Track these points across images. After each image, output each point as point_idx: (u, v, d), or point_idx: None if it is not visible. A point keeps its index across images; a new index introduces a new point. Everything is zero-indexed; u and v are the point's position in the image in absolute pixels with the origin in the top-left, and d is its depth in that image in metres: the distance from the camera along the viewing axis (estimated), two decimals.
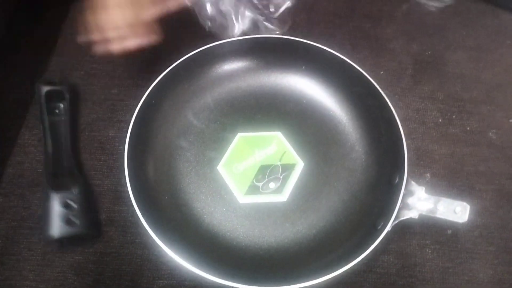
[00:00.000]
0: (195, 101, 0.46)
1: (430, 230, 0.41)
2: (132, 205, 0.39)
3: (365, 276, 0.39)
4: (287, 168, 0.44)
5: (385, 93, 0.43)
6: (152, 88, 0.43)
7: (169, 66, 0.44)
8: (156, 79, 0.44)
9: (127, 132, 0.40)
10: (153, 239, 0.35)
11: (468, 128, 0.48)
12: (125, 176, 0.38)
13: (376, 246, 0.35)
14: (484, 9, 0.57)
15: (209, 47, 0.45)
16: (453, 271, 0.40)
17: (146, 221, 0.36)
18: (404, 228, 0.41)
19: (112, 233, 0.41)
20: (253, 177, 0.43)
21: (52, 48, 0.52)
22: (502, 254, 0.41)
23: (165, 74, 0.44)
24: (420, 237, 0.41)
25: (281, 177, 0.43)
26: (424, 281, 0.39)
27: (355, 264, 0.35)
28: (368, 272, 0.39)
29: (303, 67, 0.47)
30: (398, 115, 0.41)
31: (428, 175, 0.44)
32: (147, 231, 0.36)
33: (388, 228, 0.36)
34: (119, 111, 0.47)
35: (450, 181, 0.44)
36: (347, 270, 0.34)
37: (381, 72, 0.50)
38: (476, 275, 0.40)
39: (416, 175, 0.43)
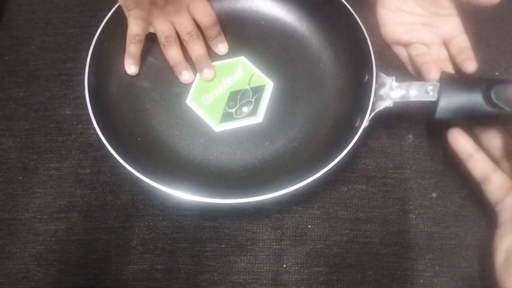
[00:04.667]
0: (149, 38, 0.43)
1: (414, 195, 0.40)
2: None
3: (348, 246, 0.38)
4: (258, 90, 0.43)
5: None
6: (101, 30, 0.41)
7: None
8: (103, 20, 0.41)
9: (85, 109, 0.37)
10: (139, 181, 0.34)
11: None
12: (95, 129, 0.36)
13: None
14: None
15: None
16: (439, 236, 0.38)
17: (123, 159, 0.35)
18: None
19: (75, 219, 0.39)
20: (225, 104, 0.42)
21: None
22: (490, 215, 0.38)
23: (113, 13, 0.41)
24: (404, 203, 0.40)
25: (253, 100, 0.42)
26: (409, 248, 0.38)
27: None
28: (351, 242, 0.38)
29: None
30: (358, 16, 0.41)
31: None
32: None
33: (365, 122, 0.36)
34: (75, 87, 0.43)
35: None
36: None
37: None
38: (463, 239, 0.38)
39: (384, 67, 0.43)
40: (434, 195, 0.40)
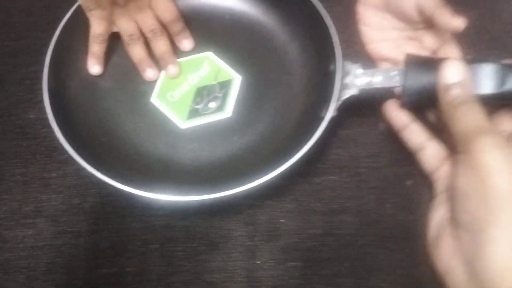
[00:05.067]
0: (112, 37, 0.43)
1: (389, 183, 0.39)
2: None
3: (323, 239, 0.37)
4: (225, 85, 0.42)
5: None
6: (61, 31, 0.41)
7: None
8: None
9: None
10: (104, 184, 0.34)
11: None
12: (55, 134, 0.36)
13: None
14: None
15: None
16: (416, 224, 0.36)
17: (87, 162, 0.34)
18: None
19: (42, 224, 0.38)
20: (191, 101, 0.41)
21: None
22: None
23: (72, 13, 0.41)
24: (379, 192, 0.39)
25: (221, 95, 0.42)
26: (386, 238, 0.37)
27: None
28: (326, 235, 0.38)
29: None
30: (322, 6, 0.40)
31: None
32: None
33: (332, 112, 0.35)
34: (39, 91, 0.41)
35: None
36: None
37: None
38: None
39: (351, 55, 0.41)
40: (409, 182, 0.39)
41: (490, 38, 0.46)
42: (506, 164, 0.26)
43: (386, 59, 0.42)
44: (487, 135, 0.27)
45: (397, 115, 0.36)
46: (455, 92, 0.30)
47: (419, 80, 0.33)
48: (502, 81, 0.32)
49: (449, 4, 0.36)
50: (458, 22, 0.34)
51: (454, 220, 0.28)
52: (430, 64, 0.33)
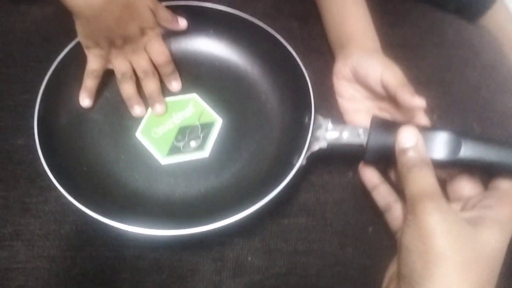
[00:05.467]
0: (105, 74, 0.45)
1: (352, 228, 0.42)
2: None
3: (286, 278, 0.39)
4: (207, 127, 0.45)
5: (290, 46, 0.45)
6: (58, 63, 0.43)
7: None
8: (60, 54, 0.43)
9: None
10: (76, 209, 0.35)
11: None
12: (40, 160, 0.37)
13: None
14: (410, 7, 0.58)
15: None
16: (373, 269, 0.37)
17: (66, 190, 0.36)
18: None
19: (18, 247, 0.39)
20: (173, 138, 0.44)
21: None
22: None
23: (71, 48, 0.44)
24: (342, 236, 0.41)
25: (201, 135, 0.44)
26: (345, 280, 0.40)
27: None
28: (289, 274, 0.39)
29: (211, 31, 0.49)
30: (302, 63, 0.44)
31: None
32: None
33: (301, 160, 0.38)
34: (30, 118, 0.43)
35: None
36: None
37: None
38: None
39: (323, 110, 0.45)
40: (370, 229, 0.42)
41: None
42: (444, 227, 0.29)
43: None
44: (431, 199, 0.30)
45: (369, 175, 0.39)
46: (409, 156, 0.33)
47: (381, 140, 0.37)
48: (456, 148, 0.35)
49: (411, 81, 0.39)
50: (418, 102, 0.36)
51: (399, 273, 0.31)
52: (392, 127, 0.37)
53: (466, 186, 0.36)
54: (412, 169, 0.32)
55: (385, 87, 0.40)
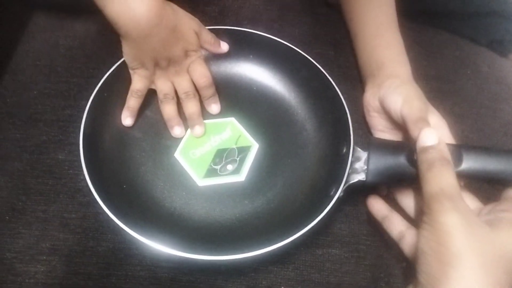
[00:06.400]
0: (147, 93, 0.46)
1: (385, 263, 0.41)
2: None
3: None
4: (243, 150, 0.45)
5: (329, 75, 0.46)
6: (103, 81, 0.44)
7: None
8: (106, 73, 0.44)
9: (78, 155, 0.39)
10: (116, 225, 0.35)
11: None
12: (85, 175, 0.38)
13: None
14: (446, 39, 0.59)
15: None
16: None
17: (107, 207, 0.36)
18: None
19: (55, 262, 0.39)
20: (211, 160, 0.44)
21: (6, 66, 0.50)
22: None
23: (116, 67, 0.45)
24: (375, 270, 0.41)
25: (238, 159, 0.45)
26: None
27: None
28: None
29: (251, 56, 0.50)
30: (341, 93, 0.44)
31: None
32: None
33: (339, 192, 0.38)
34: (71, 133, 0.45)
35: None
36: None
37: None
38: None
39: (362, 142, 0.45)
40: (403, 265, 0.41)
41: None
42: (462, 227, 0.28)
43: None
44: (449, 199, 0.29)
45: (378, 207, 0.40)
46: (429, 153, 0.32)
47: (381, 160, 0.38)
48: (458, 160, 0.34)
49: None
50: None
51: (416, 282, 0.30)
52: (392, 147, 0.38)
53: (466, 200, 0.35)
54: (431, 168, 0.32)
55: (403, 120, 0.40)
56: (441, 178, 0.31)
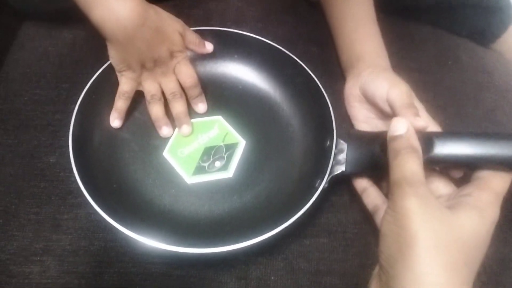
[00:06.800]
0: (135, 94, 0.47)
1: (372, 249, 0.41)
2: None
3: None
4: (230, 148, 0.46)
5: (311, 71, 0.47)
6: (91, 84, 0.45)
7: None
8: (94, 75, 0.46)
9: (68, 157, 0.40)
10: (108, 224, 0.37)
11: None
12: (75, 177, 0.39)
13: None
14: (426, 32, 0.61)
15: None
16: None
17: (99, 206, 0.37)
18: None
19: (49, 263, 0.40)
20: (199, 158, 0.46)
21: None
22: None
23: (102, 70, 0.46)
24: (363, 257, 0.42)
25: (225, 156, 0.46)
26: None
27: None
28: None
29: (236, 56, 0.51)
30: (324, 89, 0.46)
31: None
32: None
33: (324, 184, 0.40)
34: (62, 137, 0.46)
35: None
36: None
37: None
38: None
39: (345, 135, 0.46)
40: None
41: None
42: (420, 210, 0.29)
43: None
44: (410, 185, 0.30)
45: (359, 180, 0.41)
46: (396, 143, 0.33)
47: (359, 151, 0.40)
48: (429, 146, 0.35)
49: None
50: (420, 123, 0.36)
51: (379, 263, 0.31)
52: (367, 138, 0.39)
53: (439, 185, 0.37)
54: (397, 156, 0.33)
55: (390, 106, 0.41)
56: (405, 166, 0.32)
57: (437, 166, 0.37)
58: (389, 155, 0.34)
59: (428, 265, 0.28)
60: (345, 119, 0.49)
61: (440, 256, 0.28)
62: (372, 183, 0.41)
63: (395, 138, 0.34)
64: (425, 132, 0.36)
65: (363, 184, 0.41)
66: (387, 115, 0.43)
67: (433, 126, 0.40)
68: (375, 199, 0.40)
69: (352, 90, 0.47)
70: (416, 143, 0.33)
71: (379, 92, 0.42)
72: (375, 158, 0.38)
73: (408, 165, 0.32)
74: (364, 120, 0.46)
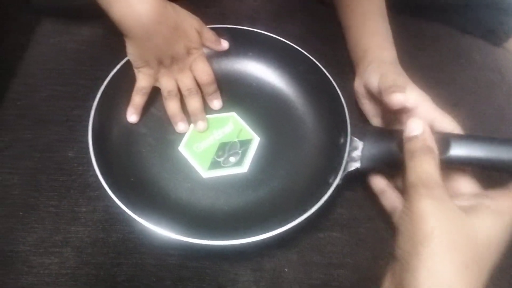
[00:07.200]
0: (152, 90, 0.48)
1: (384, 244, 0.42)
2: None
3: None
4: (245, 144, 0.47)
5: (324, 68, 0.47)
6: (109, 81, 0.46)
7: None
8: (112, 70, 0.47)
9: (86, 152, 0.41)
10: (125, 214, 0.37)
11: None
12: (93, 168, 0.40)
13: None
14: (440, 31, 0.62)
15: None
16: None
17: (117, 198, 0.38)
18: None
19: (68, 254, 0.41)
20: (214, 153, 0.46)
21: (16, 71, 0.52)
22: None
23: (120, 67, 0.47)
24: (375, 251, 0.42)
25: (240, 151, 0.47)
26: None
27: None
28: (324, 286, 0.41)
29: (250, 53, 0.52)
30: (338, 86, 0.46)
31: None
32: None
33: (338, 180, 0.40)
34: (80, 132, 0.47)
35: None
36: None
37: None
38: None
39: (358, 132, 0.47)
40: None
41: None
42: (435, 210, 0.30)
43: None
44: (425, 187, 0.31)
45: (377, 181, 0.41)
46: (412, 144, 0.34)
47: (375, 148, 0.40)
48: (446, 147, 0.35)
49: None
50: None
51: (393, 257, 0.32)
52: (384, 134, 0.40)
53: (462, 183, 0.37)
54: (413, 157, 0.33)
55: (380, 95, 0.41)
56: (420, 167, 0.33)
57: (453, 167, 0.37)
58: (405, 156, 0.34)
59: (441, 263, 0.29)
60: (360, 117, 0.49)
61: (453, 255, 0.29)
62: (390, 184, 0.41)
63: (411, 138, 0.34)
64: (442, 133, 0.36)
65: (381, 186, 0.41)
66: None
67: (444, 119, 0.40)
68: (394, 202, 0.40)
69: (359, 88, 0.47)
70: (432, 143, 0.34)
71: (372, 86, 0.43)
72: (392, 155, 0.38)
73: (423, 166, 0.32)
74: (376, 115, 0.47)
